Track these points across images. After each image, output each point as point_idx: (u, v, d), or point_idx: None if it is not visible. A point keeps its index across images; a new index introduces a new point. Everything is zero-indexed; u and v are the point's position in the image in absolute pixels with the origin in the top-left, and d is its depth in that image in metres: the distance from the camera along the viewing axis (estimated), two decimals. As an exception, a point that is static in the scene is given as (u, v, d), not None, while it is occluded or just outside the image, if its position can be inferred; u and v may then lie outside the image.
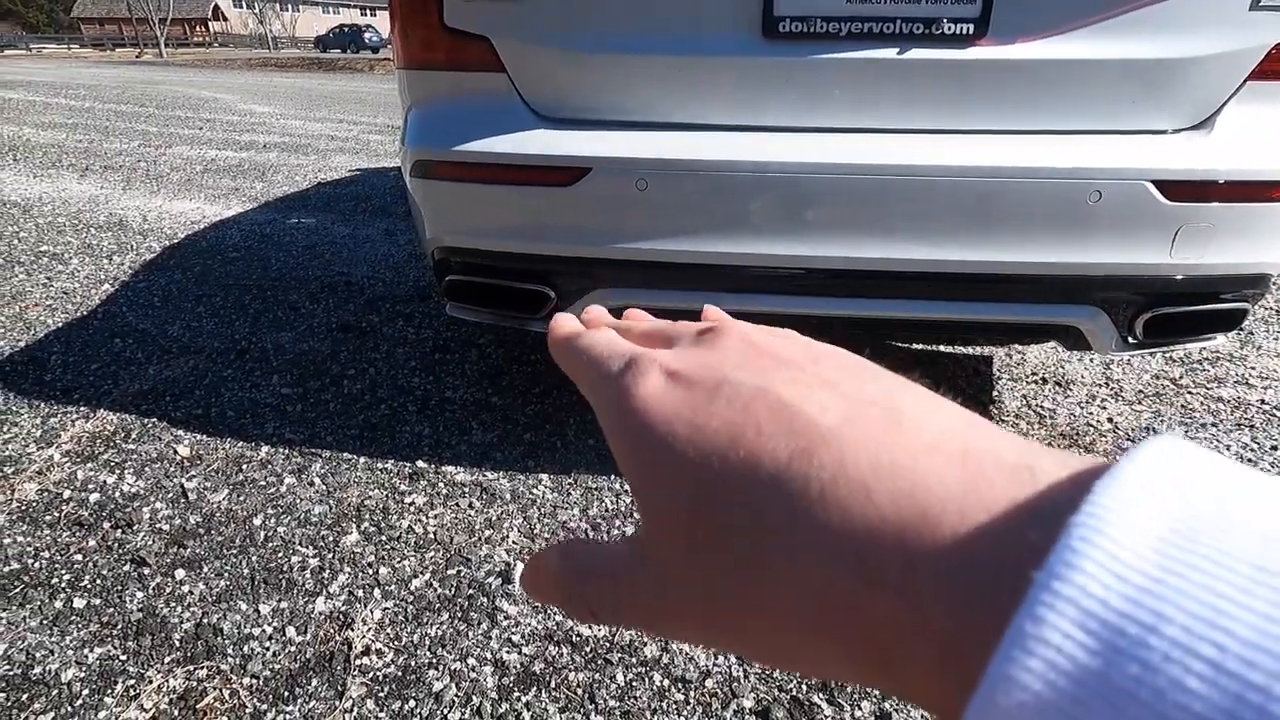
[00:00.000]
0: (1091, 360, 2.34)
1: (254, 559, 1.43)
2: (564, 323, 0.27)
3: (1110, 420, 1.99)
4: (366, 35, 35.58)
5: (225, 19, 54.13)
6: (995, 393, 2.12)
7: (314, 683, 1.17)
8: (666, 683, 1.17)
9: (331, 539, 1.49)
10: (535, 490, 1.66)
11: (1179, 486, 0.12)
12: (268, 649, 1.23)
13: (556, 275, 1.53)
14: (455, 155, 1.47)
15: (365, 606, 1.32)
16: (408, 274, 3.13)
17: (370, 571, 1.41)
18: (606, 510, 1.60)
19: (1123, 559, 0.11)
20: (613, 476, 1.71)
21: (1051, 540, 0.12)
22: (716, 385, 0.19)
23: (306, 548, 1.47)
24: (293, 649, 1.23)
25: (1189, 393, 2.15)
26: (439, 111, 1.54)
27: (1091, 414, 2.02)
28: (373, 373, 2.22)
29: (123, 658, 1.21)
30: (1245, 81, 1.33)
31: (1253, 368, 2.31)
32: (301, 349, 2.37)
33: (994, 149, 1.31)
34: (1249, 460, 1.80)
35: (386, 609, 1.32)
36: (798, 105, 1.34)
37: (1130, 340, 1.49)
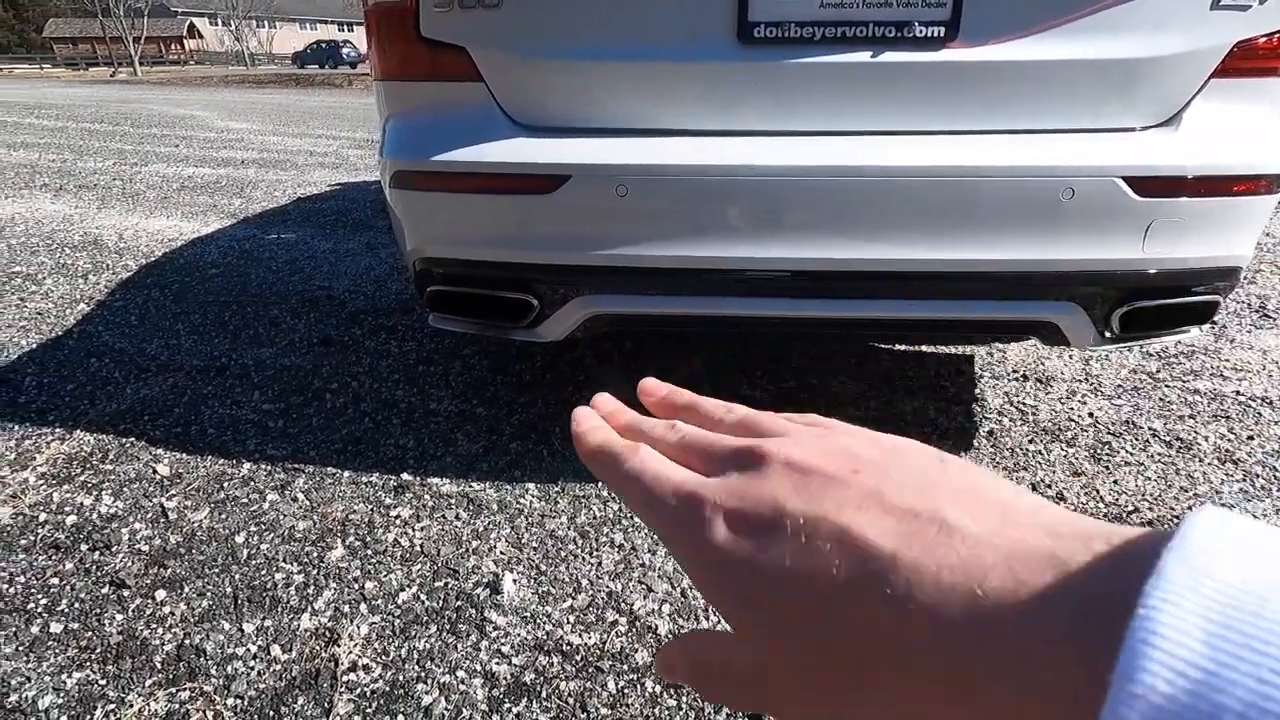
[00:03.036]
0: (1071, 356, 2.37)
1: (237, 577, 1.41)
2: (591, 432, 0.28)
3: (1090, 415, 2.02)
4: (344, 51, 35.50)
5: (201, 36, 53.77)
6: (978, 391, 2.14)
7: (300, 701, 1.14)
8: (658, 689, 1.17)
9: (316, 555, 1.47)
10: (522, 500, 1.65)
11: (1226, 571, 0.14)
12: (252, 668, 1.21)
13: (539, 283, 1.53)
14: (434, 165, 1.47)
15: (352, 622, 1.30)
16: (390, 287, 3.11)
17: (356, 586, 1.39)
18: (594, 517, 1.59)
19: (1182, 656, 0.13)
20: (599, 484, 1.71)
21: (1113, 643, 0.14)
22: (776, 521, 0.21)
23: (291, 564, 1.45)
24: (278, 667, 1.21)
25: (1166, 386, 2.18)
26: (417, 122, 1.54)
27: (1072, 409, 2.05)
28: (355, 386, 2.20)
29: (102, 682, 1.18)
30: (1209, 79, 1.36)
31: (1227, 360, 2.36)
32: (283, 364, 2.35)
33: (968, 149, 1.33)
34: (1227, 450, 1.83)
35: (373, 624, 1.30)
36: (774, 109, 1.35)
37: (1107, 335, 1.51)
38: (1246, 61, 1.36)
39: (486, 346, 2.44)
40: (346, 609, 1.33)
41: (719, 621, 1.29)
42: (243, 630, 1.28)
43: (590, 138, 1.42)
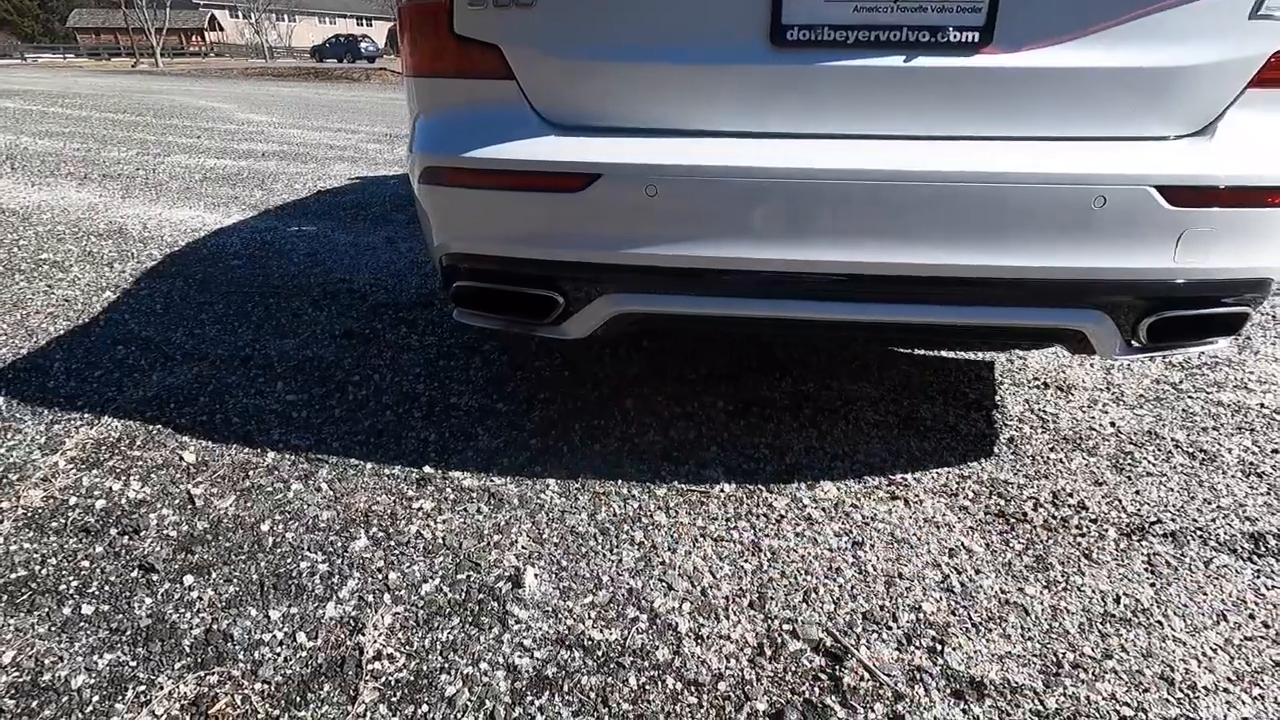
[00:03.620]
0: (1092, 365, 2.35)
1: (263, 565, 1.43)
2: None
3: (1112, 424, 2.00)
4: (363, 45, 35.67)
5: (222, 29, 54.23)
6: (998, 398, 2.14)
7: (326, 688, 1.16)
8: (679, 686, 1.17)
9: (340, 544, 1.49)
10: (543, 495, 1.66)
11: None
12: (279, 654, 1.22)
13: (565, 280, 1.54)
14: (464, 162, 1.48)
15: (375, 611, 1.32)
16: (410, 281, 3.14)
17: (380, 576, 1.40)
18: (615, 515, 1.60)
19: None
20: (619, 481, 1.72)
21: None
22: None
23: (315, 553, 1.47)
24: (304, 654, 1.22)
25: (1189, 397, 2.16)
26: (448, 119, 1.55)
27: (1093, 418, 2.04)
28: (377, 379, 2.22)
29: (132, 664, 1.20)
30: (1246, 89, 1.35)
31: (1251, 372, 2.33)
32: (305, 355, 2.37)
33: (999, 155, 1.33)
34: (1251, 464, 1.82)
35: (397, 614, 1.31)
36: (805, 112, 1.35)
37: (1134, 344, 1.50)
38: (1283, 72, 1.35)
39: (506, 342, 2.46)
40: (370, 599, 1.35)
41: (738, 620, 1.30)
42: (269, 617, 1.30)
43: (621, 137, 1.42)
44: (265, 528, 1.54)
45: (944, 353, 2.39)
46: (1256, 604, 1.36)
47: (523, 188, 1.46)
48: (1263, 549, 1.51)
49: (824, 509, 1.63)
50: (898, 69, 1.31)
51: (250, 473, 1.73)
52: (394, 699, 1.15)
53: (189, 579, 1.39)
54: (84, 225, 4.00)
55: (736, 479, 1.73)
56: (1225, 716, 1.13)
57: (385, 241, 3.78)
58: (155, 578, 1.39)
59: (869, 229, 1.35)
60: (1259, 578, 1.43)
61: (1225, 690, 1.17)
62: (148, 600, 1.34)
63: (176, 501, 1.62)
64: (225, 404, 2.05)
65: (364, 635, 1.26)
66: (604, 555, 1.47)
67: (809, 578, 1.42)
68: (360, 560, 1.45)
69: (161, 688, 1.16)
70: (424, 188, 1.58)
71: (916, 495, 1.68)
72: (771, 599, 1.36)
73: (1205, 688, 1.18)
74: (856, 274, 1.38)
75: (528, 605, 1.34)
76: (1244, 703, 1.15)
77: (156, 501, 1.62)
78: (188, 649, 1.23)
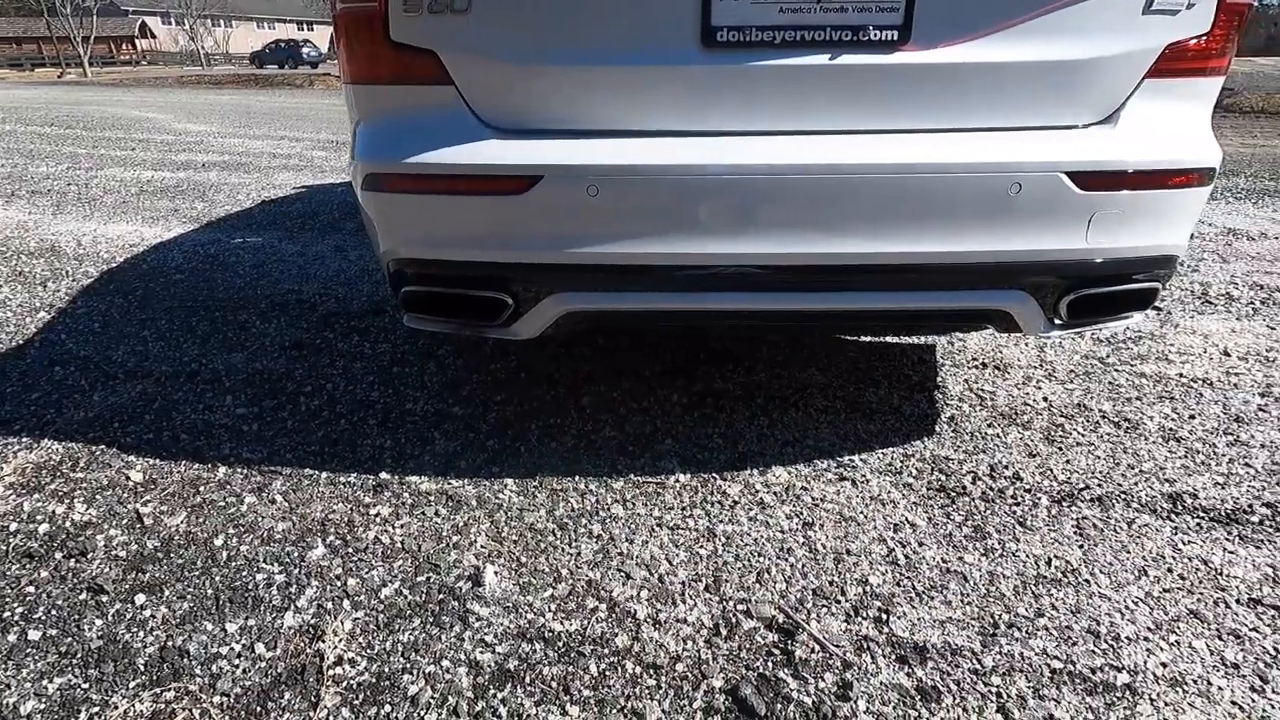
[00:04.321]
0: (1026, 344, 2.47)
1: (217, 579, 1.42)
2: None
3: (1045, 399, 2.11)
4: (304, 50, 34.78)
5: (154, 36, 52.19)
6: (940, 379, 2.23)
7: (287, 696, 1.16)
8: (638, 669, 1.21)
9: (297, 554, 1.49)
10: (501, 495, 1.68)
11: None
12: (237, 666, 1.22)
13: (513, 282, 1.56)
14: (406, 167, 1.49)
15: (335, 618, 1.32)
16: (361, 289, 3.10)
17: (338, 584, 1.40)
18: (573, 510, 1.63)
19: None
20: (576, 477, 1.75)
21: None
22: None
23: (271, 565, 1.46)
24: (263, 664, 1.22)
25: (1115, 370, 2.29)
26: (388, 125, 1.55)
27: (1028, 394, 2.14)
28: (330, 389, 2.20)
29: (85, 686, 1.19)
30: (1144, 79, 1.45)
31: (1171, 344, 2.48)
32: (255, 368, 2.34)
33: (922, 147, 1.40)
34: (1170, 429, 1.94)
35: (357, 619, 1.32)
36: (738, 110, 1.40)
37: (1057, 321, 1.59)
38: (1177, 62, 1.45)
39: (460, 347, 2.46)
40: (330, 606, 1.35)
41: (695, 604, 1.34)
42: (226, 630, 1.29)
43: (562, 139, 1.45)
44: (219, 542, 1.52)
45: (889, 338, 2.48)
46: (1174, 558, 1.46)
47: (466, 191, 1.48)
48: (1180, 508, 1.62)
49: (775, 493, 1.68)
50: (823, 67, 1.37)
51: (201, 488, 1.71)
52: (356, 701, 1.15)
53: (141, 598, 1.37)
54: (13, 244, 3.85)
55: (691, 469, 1.78)
56: (1145, 662, 1.21)
57: (334, 250, 3.73)
58: (105, 599, 1.37)
59: (801, 222, 1.40)
60: (1176, 534, 1.53)
61: (1145, 639, 1.26)
62: (98, 622, 1.32)
63: (125, 521, 1.59)
64: (172, 421, 2.01)
65: (324, 642, 1.26)
66: (563, 549, 1.50)
67: (762, 559, 1.47)
68: (318, 569, 1.44)
69: (116, 708, 1.15)
70: (367, 194, 1.59)
71: (863, 475, 1.74)
72: (726, 581, 1.41)
73: (1128, 638, 1.26)
74: (791, 265, 1.44)
75: (488, 602, 1.36)
76: (1162, 649, 1.24)
77: (104, 523, 1.59)
78: (142, 667, 1.22)
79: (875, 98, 1.39)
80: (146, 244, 3.88)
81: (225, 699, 1.16)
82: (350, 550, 1.50)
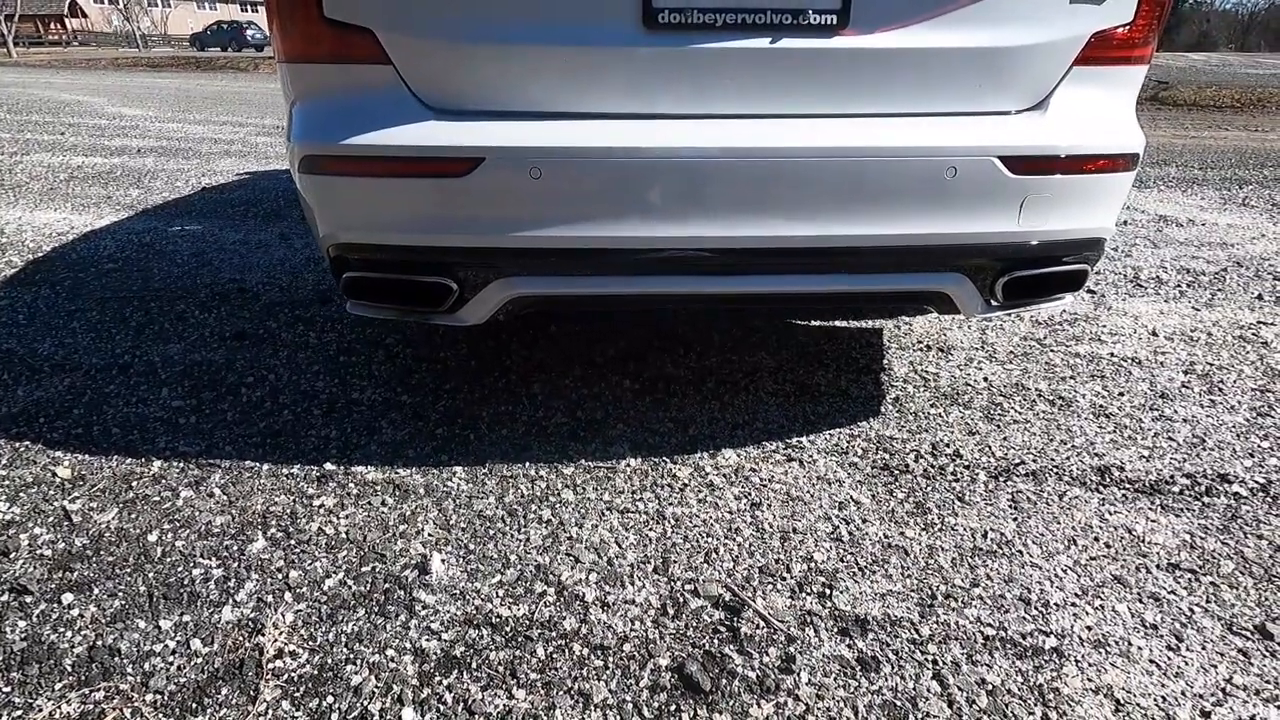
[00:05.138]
0: (969, 327, 2.55)
1: (151, 576, 1.37)
2: None
3: (985, 379, 2.18)
4: (249, 32, 33.47)
5: (85, 15, 49.57)
6: (885, 361, 2.28)
7: (224, 691, 1.13)
8: (586, 651, 1.21)
9: (236, 548, 1.45)
10: (450, 483, 1.66)
11: None
12: (171, 664, 1.18)
13: (457, 267, 1.54)
14: (344, 149, 1.45)
15: (276, 610, 1.29)
16: (306, 278, 3.02)
17: (280, 576, 1.37)
18: (522, 496, 1.62)
19: None
20: (526, 464, 1.74)
21: None
22: None
23: (209, 559, 1.42)
24: (199, 660, 1.19)
25: (1051, 351, 2.38)
26: (325, 105, 1.51)
27: (969, 375, 2.21)
28: (273, 379, 2.14)
29: (6, 690, 1.14)
30: (1072, 66, 1.50)
31: (1104, 326, 2.58)
32: (193, 360, 2.26)
33: (860, 131, 1.42)
34: (1101, 406, 2.02)
35: (299, 611, 1.29)
36: (679, 93, 1.40)
37: (993, 303, 1.65)
38: (1103, 51, 1.50)
39: (410, 335, 2.42)
40: (270, 599, 1.32)
41: (643, 585, 1.35)
42: (159, 627, 1.25)
43: (503, 120, 1.43)
44: (153, 538, 1.47)
45: (838, 323, 2.53)
46: (1100, 528, 1.53)
47: (406, 174, 1.44)
48: (1107, 480, 1.69)
49: (724, 475, 1.70)
50: (764, 50, 1.38)
51: (134, 484, 1.64)
52: (297, 694, 1.13)
53: (68, 597, 1.32)
54: (-72, 233, 3.63)
55: (642, 453, 1.78)
56: (1072, 626, 1.27)
57: (278, 238, 3.62)
58: (29, 599, 1.31)
59: (742, 205, 1.41)
60: (1103, 505, 1.60)
61: (1073, 604, 1.32)
62: (21, 623, 1.26)
63: (51, 519, 1.52)
64: (104, 415, 1.93)
65: (264, 635, 1.23)
66: (511, 536, 1.49)
67: (710, 539, 1.48)
68: (258, 562, 1.41)
69: (41, 710, 1.10)
70: (305, 178, 1.54)
71: (811, 456, 1.78)
72: (675, 562, 1.42)
73: (1056, 604, 1.32)
74: (732, 249, 1.45)
75: (435, 590, 1.34)
76: (1088, 613, 1.30)
77: (28, 521, 1.52)
78: (69, 668, 1.17)
79: (815, 82, 1.41)
80: (76, 232, 3.70)
81: (159, 697, 1.13)
82: (292, 542, 1.46)
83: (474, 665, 1.18)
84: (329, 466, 1.71)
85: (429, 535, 1.49)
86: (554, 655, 1.21)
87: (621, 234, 1.44)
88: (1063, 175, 1.49)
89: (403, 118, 1.44)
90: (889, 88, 1.44)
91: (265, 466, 1.71)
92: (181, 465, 1.72)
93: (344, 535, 1.49)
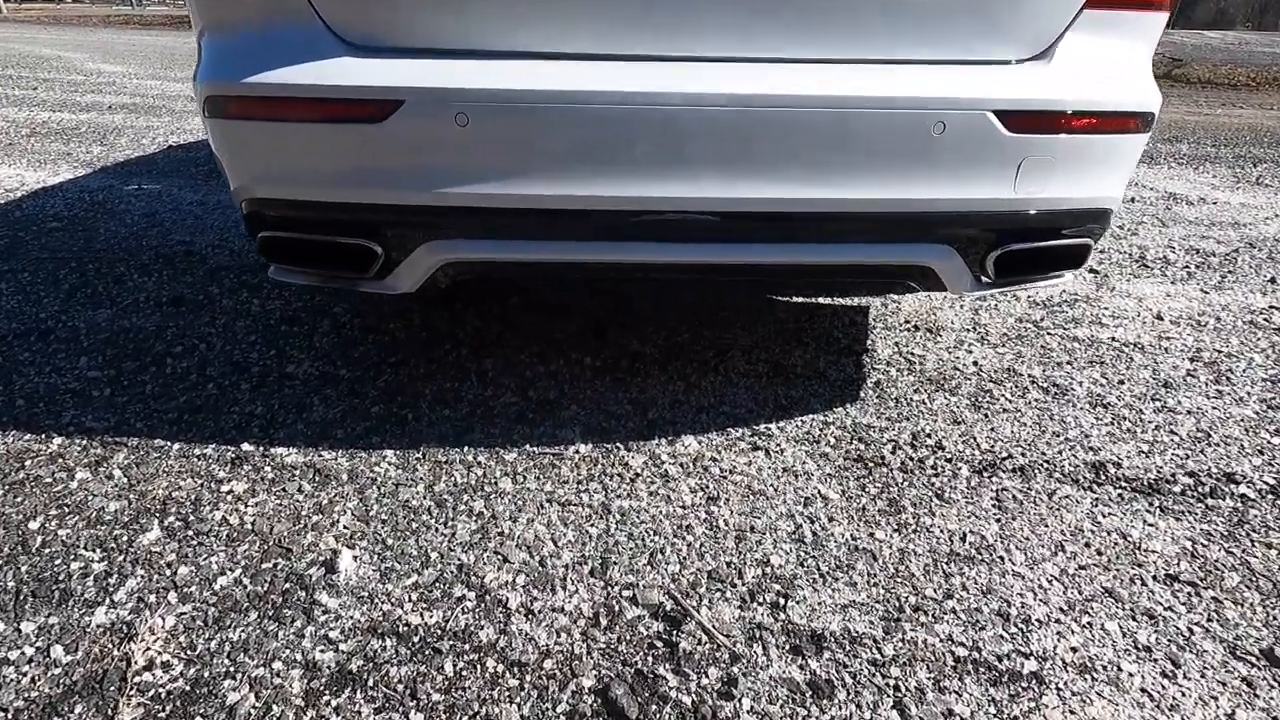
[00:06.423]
0: (961, 307, 2.37)
1: (23, 570, 1.22)
2: None
3: (975, 364, 2.01)
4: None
5: (76, -30, 48.45)
6: (869, 341, 2.11)
7: (78, 709, 0.99)
8: (500, 668, 1.07)
9: (125, 539, 1.29)
10: (377, 468, 1.51)
11: None
12: (24, 674, 1.04)
13: (380, 227, 1.36)
14: (247, 89, 1.27)
15: (155, 613, 1.14)
16: (259, 241, 2.83)
17: (168, 572, 1.22)
18: (455, 484, 1.46)
19: None
20: (465, 448, 1.58)
21: None
22: None
23: (92, 551, 1.26)
24: (57, 671, 1.04)
25: (1048, 334, 2.21)
26: (231, 39, 1.33)
27: (958, 358, 2.04)
28: (204, 349, 1.97)
29: None
30: (1082, 9, 1.30)
31: (1106, 308, 2.41)
32: (121, 326, 2.09)
33: (837, 79, 1.23)
34: (1099, 395, 1.86)
35: (182, 614, 1.14)
36: (617, 31, 1.22)
37: (983, 280, 1.47)
38: (1119, -8, 1.31)
39: (358, 304, 2.24)
40: (152, 599, 1.17)
41: (576, 590, 1.20)
42: (20, 630, 1.10)
43: (425, 59, 1.25)
44: (34, 526, 1.32)
45: (821, 299, 2.35)
46: (1092, 532, 1.37)
47: (316, 119, 1.26)
48: (1102, 477, 1.54)
49: (682, 464, 1.55)
50: (727, -21, 1.19)
51: (26, 463, 1.49)
52: (162, 714, 0.99)
53: (-75, 593, 1.17)
54: None
55: (594, 438, 1.63)
56: (1055, 648, 1.12)
57: (238, 199, 3.42)
58: (-119, 595, 1.16)
59: (696, 160, 1.23)
60: (1096, 506, 1.45)
61: (1057, 621, 1.17)
62: None
63: (-74, 502, 1.37)
64: (10, 386, 1.77)
65: (135, 643, 1.09)
66: (436, 530, 1.34)
67: (657, 538, 1.33)
68: (147, 555, 1.26)
69: None
70: (210, 121, 1.36)
71: (778, 445, 1.62)
72: (615, 564, 1.27)
73: (1038, 620, 1.17)
74: (685, 211, 1.27)
75: (340, 592, 1.19)
76: (1073, 632, 1.15)
77: (-100, 503, 1.37)
78: (-92, 678, 1.03)
79: (785, 20, 1.22)
80: (27, 189, 3.50)
81: (3, 715, 0.98)
82: (190, 533, 1.31)
83: (370, 683, 1.04)
84: (246, 447, 1.56)
85: (344, 528, 1.34)
86: (463, 672, 1.06)
87: (559, 192, 1.26)
88: (1067, 135, 1.30)
89: (313, 53, 1.26)
90: (870, 29, 1.25)
91: (176, 446, 1.56)
92: (84, 443, 1.56)
93: (249, 526, 1.33)
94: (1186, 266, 2.85)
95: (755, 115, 1.21)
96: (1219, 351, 2.13)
